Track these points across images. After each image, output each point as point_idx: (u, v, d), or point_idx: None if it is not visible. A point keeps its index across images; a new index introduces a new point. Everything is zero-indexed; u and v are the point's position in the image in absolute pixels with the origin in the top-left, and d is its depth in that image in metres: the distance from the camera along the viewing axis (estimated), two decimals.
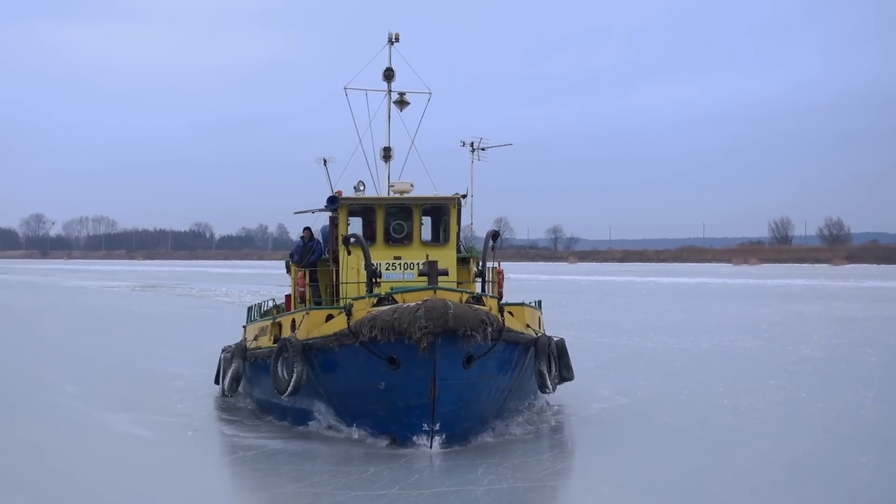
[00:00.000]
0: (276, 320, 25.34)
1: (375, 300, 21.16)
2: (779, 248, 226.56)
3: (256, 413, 26.21)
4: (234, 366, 25.82)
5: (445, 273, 23.14)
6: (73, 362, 38.45)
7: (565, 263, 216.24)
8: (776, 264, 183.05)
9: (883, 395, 29.17)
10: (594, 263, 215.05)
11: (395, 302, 20.74)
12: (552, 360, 23.33)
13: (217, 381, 29.38)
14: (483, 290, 25.63)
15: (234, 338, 30.98)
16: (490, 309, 21.17)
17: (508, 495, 17.88)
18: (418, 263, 24.74)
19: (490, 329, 20.42)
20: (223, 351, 29.04)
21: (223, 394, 27.73)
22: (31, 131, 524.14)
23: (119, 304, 79.69)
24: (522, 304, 24.78)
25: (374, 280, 23.30)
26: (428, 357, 20.13)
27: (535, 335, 23.55)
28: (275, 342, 24.02)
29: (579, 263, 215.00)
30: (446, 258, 25.34)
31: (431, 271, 21.71)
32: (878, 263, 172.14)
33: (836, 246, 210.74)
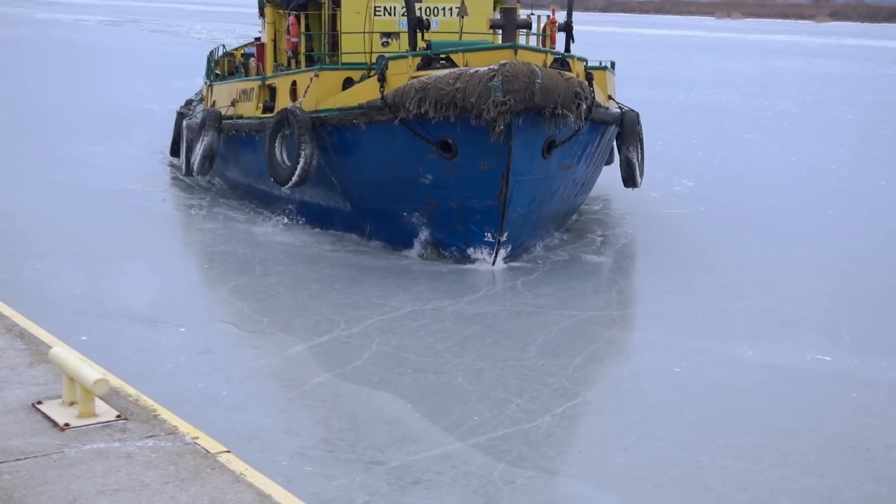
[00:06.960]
0: (267, 82, 19.48)
1: (420, 60, 15.80)
2: (762, 2, 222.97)
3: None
4: (206, 139, 19.62)
5: (528, 26, 18.10)
6: (47, 96, 38.13)
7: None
8: (759, 19, 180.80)
9: (855, 153, 29.54)
10: (575, 13, 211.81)
11: (453, 64, 15.51)
12: (640, 143, 18.82)
13: (175, 153, 24.16)
14: (567, 49, 19.60)
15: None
16: (577, 76, 16.26)
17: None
18: (446, 8, 19.20)
19: (584, 106, 15.43)
20: (181, 115, 24.28)
21: (188, 172, 21.30)
22: None
23: (93, 38, 78.22)
24: (605, 68, 19.54)
25: (419, 32, 16.57)
26: (502, 144, 15.03)
27: (619, 110, 18.73)
28: (265, 111, 18.83)
29: (560, 12, 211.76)
30: (482, 3, 19.15)
31: (508, 22, 16.27)
32: (862, 22, 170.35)
33: (820, 2, 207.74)
